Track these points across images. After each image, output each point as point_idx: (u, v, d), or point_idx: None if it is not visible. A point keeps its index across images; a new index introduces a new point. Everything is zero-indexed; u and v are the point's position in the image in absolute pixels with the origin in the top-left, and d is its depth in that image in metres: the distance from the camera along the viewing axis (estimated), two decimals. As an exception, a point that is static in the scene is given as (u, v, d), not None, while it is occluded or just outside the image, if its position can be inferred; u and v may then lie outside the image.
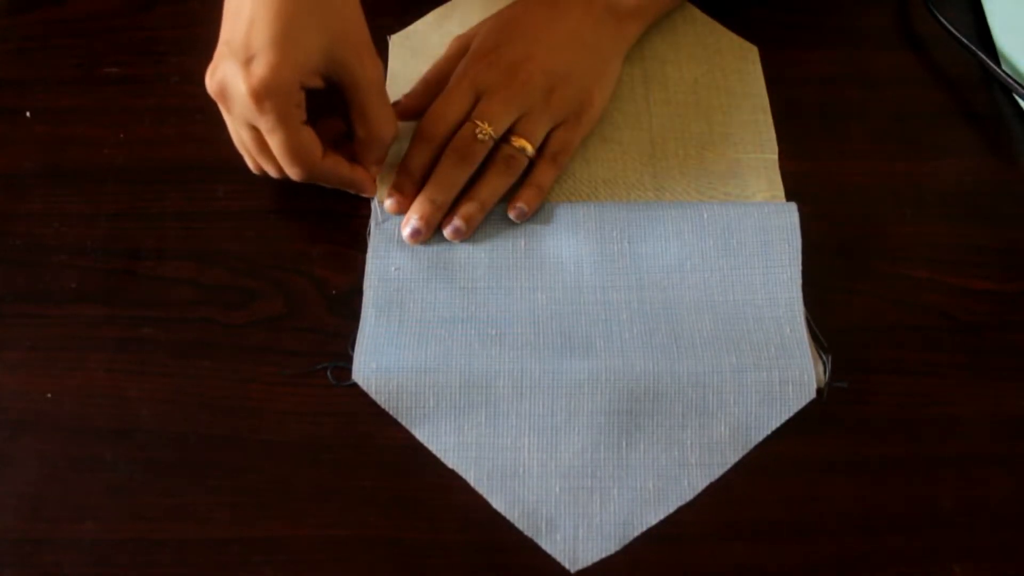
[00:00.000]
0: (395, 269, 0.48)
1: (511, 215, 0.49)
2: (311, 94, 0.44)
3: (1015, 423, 0.45)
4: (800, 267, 0.47)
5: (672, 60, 0.55)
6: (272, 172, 0.46)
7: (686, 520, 0.42)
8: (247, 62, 0.41)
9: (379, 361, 0.45)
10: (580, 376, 0.44)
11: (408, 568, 0.41)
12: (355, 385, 0.44)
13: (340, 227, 0.49)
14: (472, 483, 0.43)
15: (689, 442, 0.43)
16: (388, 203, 0.48)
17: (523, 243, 0.49)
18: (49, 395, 0.45)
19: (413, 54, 0.55)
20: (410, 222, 0.48)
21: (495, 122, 0.47)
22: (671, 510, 0.42)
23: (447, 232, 0.48)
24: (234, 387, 0.45)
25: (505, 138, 0.48)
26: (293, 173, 0.45)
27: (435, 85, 0.51)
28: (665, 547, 0.42)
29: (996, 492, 0.43)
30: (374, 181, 0.48)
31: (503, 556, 0.42)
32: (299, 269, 0.48)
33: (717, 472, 0.43)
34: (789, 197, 0.50)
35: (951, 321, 0.47)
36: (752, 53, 0.56)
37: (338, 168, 0.46)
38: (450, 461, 0.43)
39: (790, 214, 0.48)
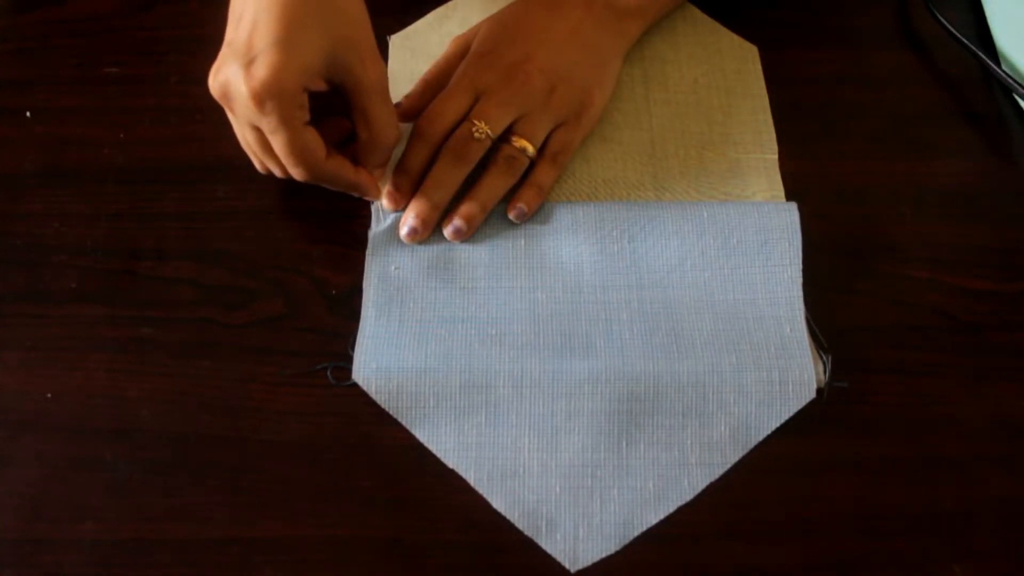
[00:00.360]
0: (395, 269, 0.48)
1: (511, 215, 0.49)
2: (315, 95, 0.44)
3: (1015, 423, 0.45)
4: (800, 267, 0.47)
5: (672, 60, 0.55)
6: (277, 172, 0.46)
7: (686, 520, 0.42)
8: (249, 63, 0.41)
9: (379, 361, 0.45)
10: (580, 376, 0.44)
11: (408, 568, 0.41)
12: (355, 385, 0.44)
13: (340, 227, 0.49)
14: (472, 483, 0.43)
15: (689, 442, 0.43)
16: (386, 202, 0.48)
17: (523, 243, 0.49)
18: (49, 395, 0.45)
19: (413, 54, 0.55)
20: (407, 221, 0.48)
21: (493, 121, 0.47)
22: (671, 510, 0.42)
23: (448, 232, 0.48)
24: (234, 387, 0.45)
25: (506, 138, 0.48)
26: (296, 174, 0.45)
27: (434, 86, 0.51)
28: (665, 547, 0.42)
29: (996, 492, 0.43)
30: (378, 185, 0.48)
31: (503, 556, 0.42)
32: (299, 269, 0.48)
33: (717, 472, 0.43)
34: (789, 197, 0.50)
35: (951, 321, 0.47)
36: (752, 53, 0.56)
37: (342, 170, 0.46)
38: (450, 461, 0.43)
39: (790, 213, 0.48)
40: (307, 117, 0.43)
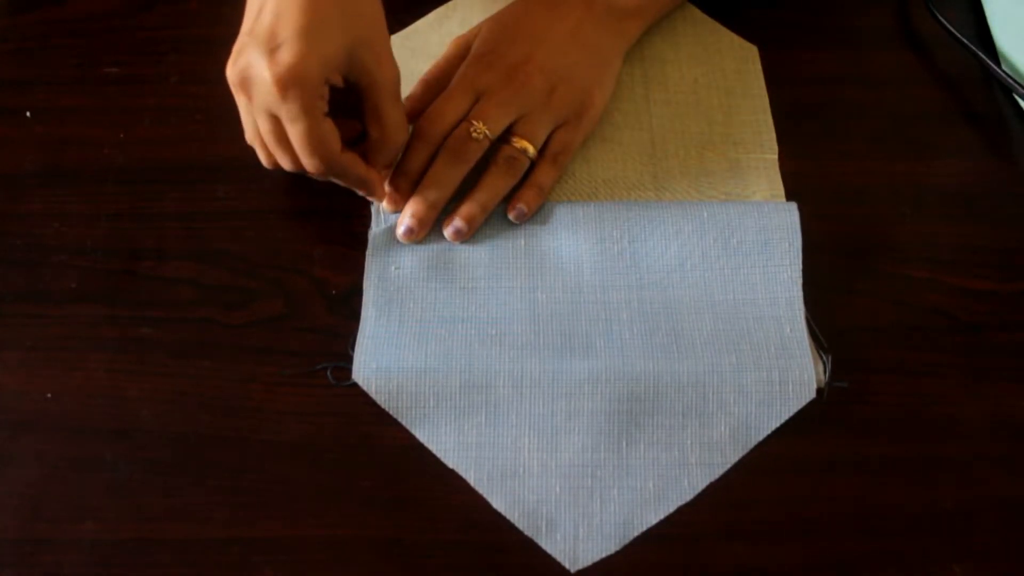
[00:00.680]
0: (395, 269, 0.48)
1: (511, 216, 0.49)
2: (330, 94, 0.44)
3: (1015, 423, 0.45)
4: (800, 267, 0.47)
5: (672, 60, 0.55)
6: (287, 165, 0.46)
7: (686, 520, 0.42)
8: (273, 51, 0.40)
9: (379, 361, 0.45)
10: (580, 376, 0.44)
11: (408, 568, 0.41)
12: (355, 385, 0.44)
13: (340, 227, 0.49)
14: (472, 483, 0.43)
15: (689, 442, 0.43)
16: (386, 202, 0.48)
17: (523, 243, 0.49)
18: (49, 395, 0.45)
19: (413, 54, 0.55)
20: (404, 221, 0.48)
21: (492, 122, 0.47)
22: (671, 510, 0.42)
23: (448, 233, 0.48)
24: (234, 387, 0.45)
25: (506, 139, 0.48)
26: (310, 164, 0.44)
27: (435, 86, 0.51)
28: (665, 547, 0.42)
29: (996, 492, 0.43)
30: (384, 186, 0.48)
31: (503, 556, 0.42)
32: (299, 269, 0.48)
33: (717, 472, 0.43)
34: (789, 197, 0.50)
35: (951, 321, 0.47)
36: (752, 53, 0.56)
37: (354, 165, 0.46)
38: (450, 461, 0.43)
39: (790, 213, 0.48)
40: (326, 108, 0.43)
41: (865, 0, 0.58)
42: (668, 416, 0.44)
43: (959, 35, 0.54)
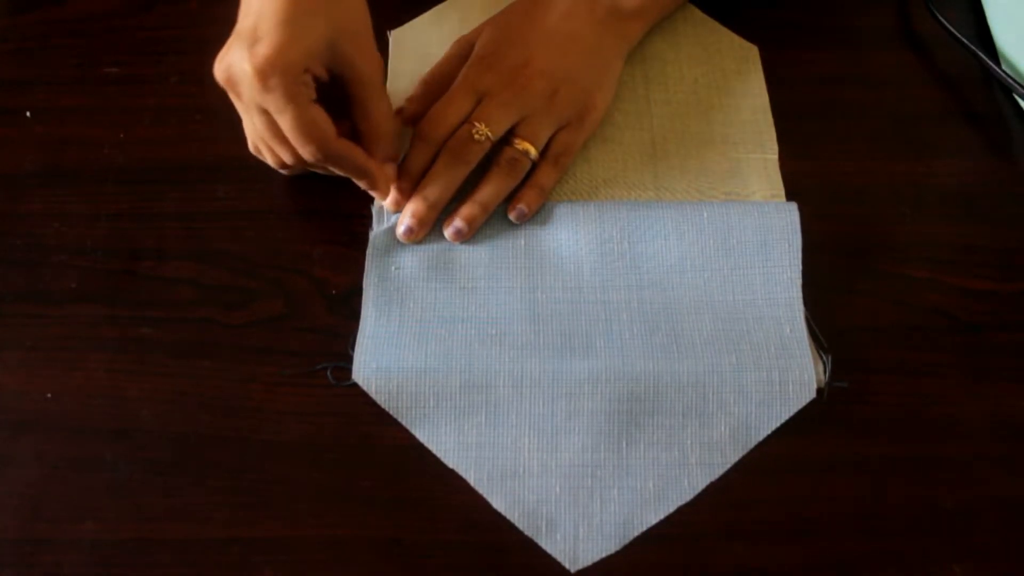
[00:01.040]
0: (395, 269, 0.48)
1: (511, 216, 0.49)
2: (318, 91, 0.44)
3: (1015, 423, 0.45)
4: (800, 267, 0.47)
5: (672, 60, 0.55)
6: (289, 158, 0.45)
7: (686, 520, 0.42)
8: (253, 44, 0.41)
9: (379, 361, 0.45)
10: (580, 376, 0.44)
11: (408, 568, 0.41)
12: (355, 385, 0.44)
13: (340, 227, 0.49)
14: (472, 483, 0.43)
15: (689, 442, 0.43)
16: (387, 201, 0.48)
17: (523, 243, 0.49)
18: (49, 395, 0.45)
19: (413, 49, 0.55)
20: (404, 221, 0.48)
21: (494, 124, 0.47)
22: (671, 510, 0.42)
23: (448, 233, 0.48)
24: (234, 387, 0.45)
25: (508, 140, 0.49)
26: (307, 153, 0.44)
27: (435, 87, 0.51)
28: (665, 547, 0.42)
29: (996, 492, 0.43)
30: (387, 180, 0.48)
31: (503, 556, 0.42)
32: (299, 269, 0.48)
33: (717, 472, 0.43)
34: (789, 197, 0.50)
35: (951, 321, 0.47)
36: (752, 53, 0.56)
37: (351, 151, 0.45)
38: (450, 461, 0.43)
39: (790, 213, 0.48)
40: (313, 95, 0.43)
41: (865, 0, 0.58)
42: (668, 416, 0.44)
43: (959, 35, 0.54)
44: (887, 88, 0.55)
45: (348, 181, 0.48)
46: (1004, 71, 0.53)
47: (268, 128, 0.44)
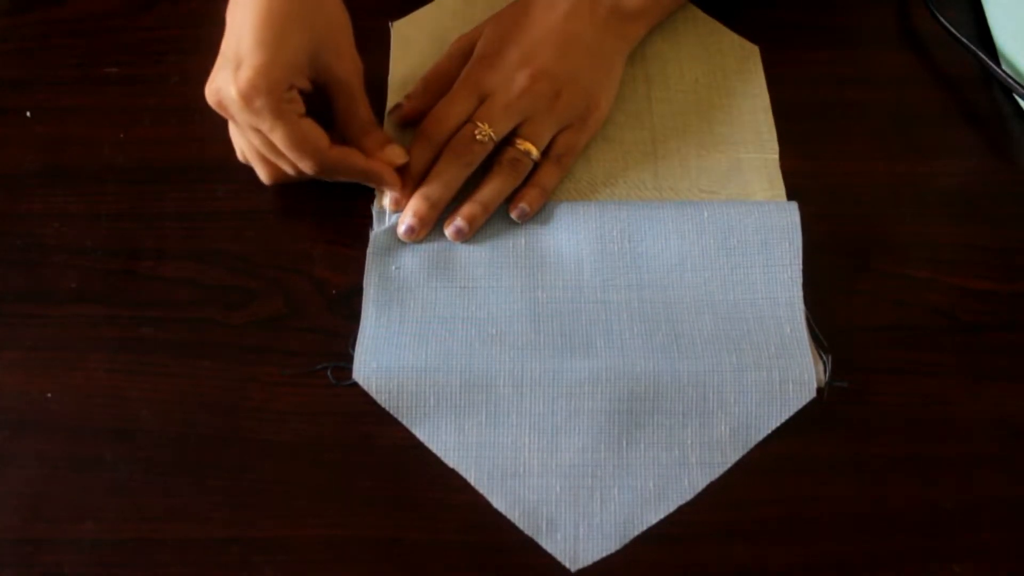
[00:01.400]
0: (396, 268, 0.48)
1: (513, 215, 0.49)
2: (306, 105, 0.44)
3: (1015, 423, 0.45)
4: (800, 266, 0.47)
5: (673, 59, 0.55)
6: (290, 170, 0.46)
7: (686, 520, 0.42)
8: (236, 68, 0.42)
9: (379, 360, 0.45)
10: (580, 375, 0.44)
11: (408, 568, 0.41)
12: (355, 384, 0.44)
13: (340, 227, 0.49)
14: (472, 483, 0.43)
15: (689, 441, 0.43)
16: (388, 200, 0.48)
17: (523, 242, 0.49)
18: (49, 395, 0.45)
19: (415, 41, 0.55)
20: (405, 219, 0.48)
21: (497, 124, 0.48)
22: (671, 509, 0.42)
23: (449, 233, 0.48)
24: (234, 387, 0.45)
25: (510, 141, 0.49)
26: (306, 166, 0.45)
27: (434, 85, 0.51)
28: (665, 547, 0.42)
29: (996, 492, 0.43)
30: (393, 172, 0.47)
31: (503, 556, 0.42)
32: (299, 269, 0.48)
33: (717, 471, 0.43)
34: (790, 197, 0.50)
35: (951, 321, 0.47)
36: (753, 53, 0.56)
37: (351, 157, 0.46)
38: (450, 460, 0.43)
39: (791, 213, 0.48)
40: (301, 110, 0.44)
41: (865, 0, 0.58)
42: (668, 416, 0.44)
43: (959, 35, 0.54)
44: (887, 88, 0.55)
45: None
46: (1004, 71, 0.53)
47: (266, 146, 0.45)
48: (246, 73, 0.41)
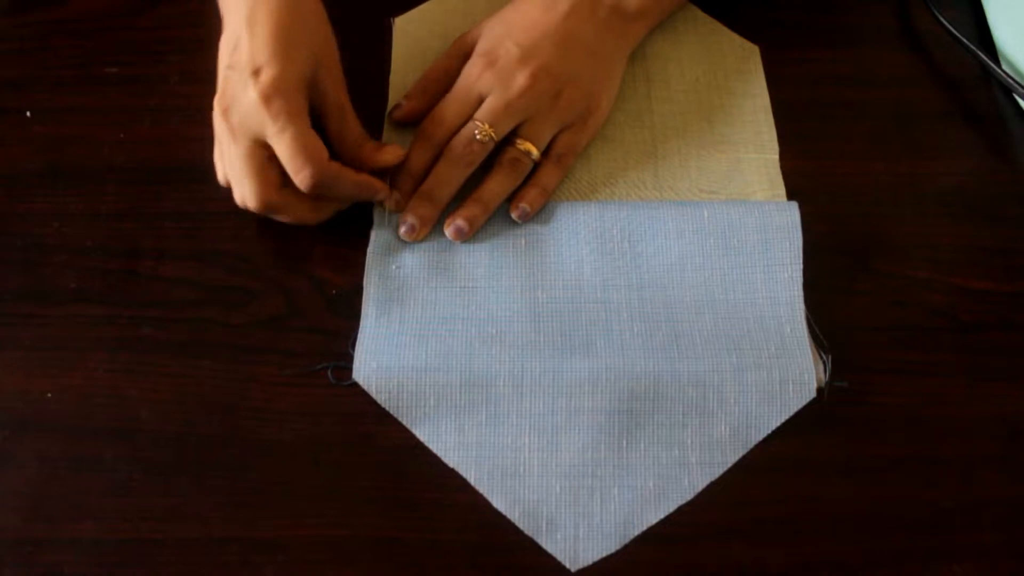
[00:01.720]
0: (396, 268, 0.48)
1: (514, 215, 0.49)
2: None
3: (1015, 423, 0.45)
4: (801, 266, 0.47)
5: (674, 58, 0.55)
6: (256, 193, 0.45)
7: (686, 520, 0.42)
8: (255, 72, 0.43)
9: (379, 360, 0.45)
10: (580, 375, 0.44)
11: (408, 568, 0.41)
12: (355, 384, 0.44)
13: (340, 227, 0.49)
14: (472, 482, 0.43)
15: (689, 441, 0.43)
16: (389, 200, 0.48)
17: (523, 242, 0.49)
18: (49, 395, 0.45)
19: (417, 37, 0.55)
20: (406, 219, 0.48)
21: (497, 124, 0.48)
22: (671, 509, 0.42)
23: (449, 232, 0.48)
24: (234, 387, 0.45)
25: (510, 141, 0.49)
26: (304, 178, 0.44)
27: (433, 84, 0.51)
28: (665, 546, 0.42)
29: (996, 492, 0.43)
30: (384, 182, 0.48)
31: (503, 556, 0.42)
32: (299, 269, 0.48)
33: (717, 471, 0.43)
34: (790, 197, 0.50)
35: (951, 321, 0.47)
36: (753, 53, 0.56)
37: (345, 171, 0.46)
38: (450, 460, 0.43)
39: (791, 213, 0.48)
40: (308, 121, 0.44)
41: (865, 0, 0.58)
42: (668, 415, 0.44)
43: (959, 35, 0.54)
44: (887, 88, 0.55)
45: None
46: (1004, 71, 0.53)
47: (262, 159, 0.44)
48: (268, 75, 0.43)
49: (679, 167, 0.51)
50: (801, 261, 0.47)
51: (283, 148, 0.43)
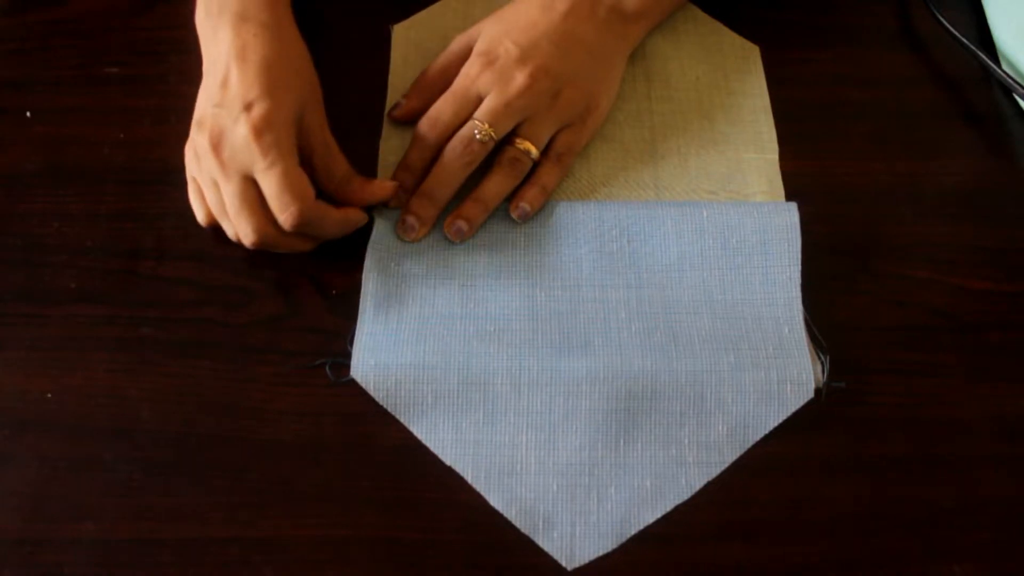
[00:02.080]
0: (395, 266, 0.48)
1: (514, 214, 0.49)
2: None
3: (1015, 423, 0.45)
4: (799, 267, 0.47)
5: (674, 58, 0.55)
6: (251, 227, 0.45)
7: (683, 519, 0.42)
8: (247, 107, 0.43)
9: (377, 357, 0.45)
10: (578, 374, 0.44)
11: (408, 568, 0.41)
12: (353, 382, 0.44)
13: (340, 227, 0.49)
14: (470, 480, 0.43)
15: (687, 441, 0.43)
16: (389, 199, 0.48)
17: (522, 241, 0.49)
18: (49, 395, 0.45)
19: (416, 44, 0.55)
20: (405, 218, 0.48)
21: (496, 124, 0.48)
22: (668, 509, 0.42)
23: (449, 233, 0.48)
24: (234, 387, 0.45)
25: (510, 140, 0.49)
26: (289, 216, 0.44)
27: (432, 84, 0.51)
28: (662, 546, 0.42)
29: (996, 492, 0.43)
30: (361, 210, 0.48)
31: (502, 555, 0.42)
32: (299, 269, 0.48)
33: (715, 471, 0.43)
34: (789, 197, 0.50)
35: (951, 321, 0.47)
36: (753, 53, 0.56)
37: (328, 209, 0.46)
38: (448, 458, 0.43)
39: (790, 214, 0.48)
40: (297, 159, 0.44)
41: (865, 0, 0.58)
42: (666, 415, 0.44)
43: (959, 35, 0.54)
44: (887, 88, 0.55)
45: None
46: (1004, 71, 0.53)
47: (249, 193, 0.44)
48: (260, 110, 0.43)
49: (678, 167, 0.51)
50: (800, 262, 0.47)
51: (270, 185, 0.44)
